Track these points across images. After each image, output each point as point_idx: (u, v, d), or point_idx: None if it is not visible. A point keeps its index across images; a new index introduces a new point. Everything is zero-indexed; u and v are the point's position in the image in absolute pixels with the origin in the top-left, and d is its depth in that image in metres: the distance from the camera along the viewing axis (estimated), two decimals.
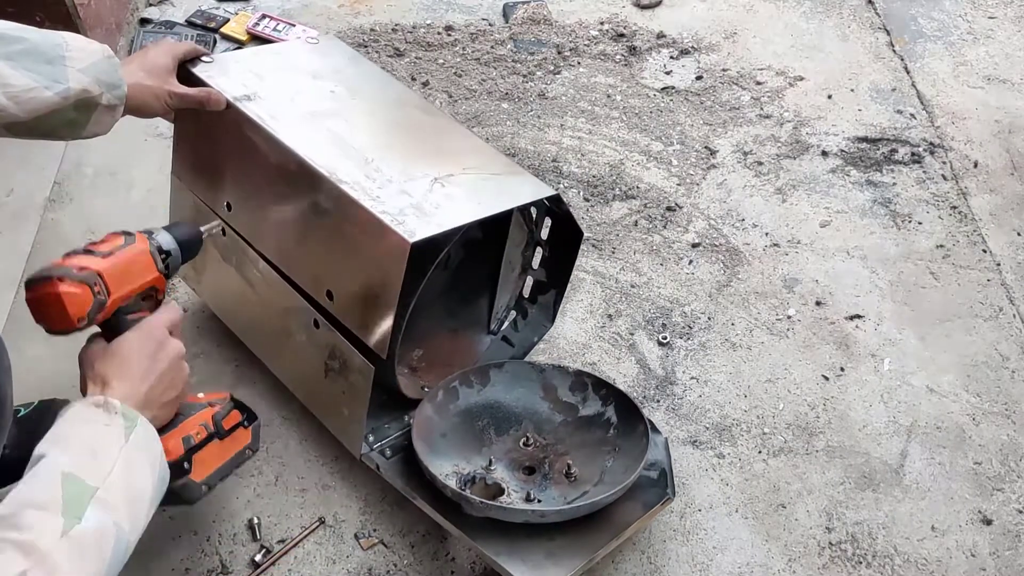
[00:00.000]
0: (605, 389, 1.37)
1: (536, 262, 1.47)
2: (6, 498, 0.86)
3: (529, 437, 1.36)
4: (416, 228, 1.11)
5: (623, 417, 1.34)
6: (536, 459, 1.33)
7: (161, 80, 1.21)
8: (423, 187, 1.22)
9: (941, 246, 1.76)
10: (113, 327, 1.05)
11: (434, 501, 1.23)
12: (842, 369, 1.55)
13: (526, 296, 1.50)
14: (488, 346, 1.51)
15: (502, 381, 1.42)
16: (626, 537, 1.24)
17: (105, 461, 0.95)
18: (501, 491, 1.27)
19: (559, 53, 2.16)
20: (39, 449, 0.93)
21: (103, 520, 0.90)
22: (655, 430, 1.36)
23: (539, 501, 1.26)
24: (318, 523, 1.32)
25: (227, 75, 1.28)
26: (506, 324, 1.52)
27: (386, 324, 1.18)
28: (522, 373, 1.42)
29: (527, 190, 1.30)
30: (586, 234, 1.76)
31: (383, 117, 1.35)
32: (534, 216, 1.44)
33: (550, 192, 1.30)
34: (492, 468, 1.31)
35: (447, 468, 1.29)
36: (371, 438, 1.33)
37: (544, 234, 1.44)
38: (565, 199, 1.61)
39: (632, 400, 1.34)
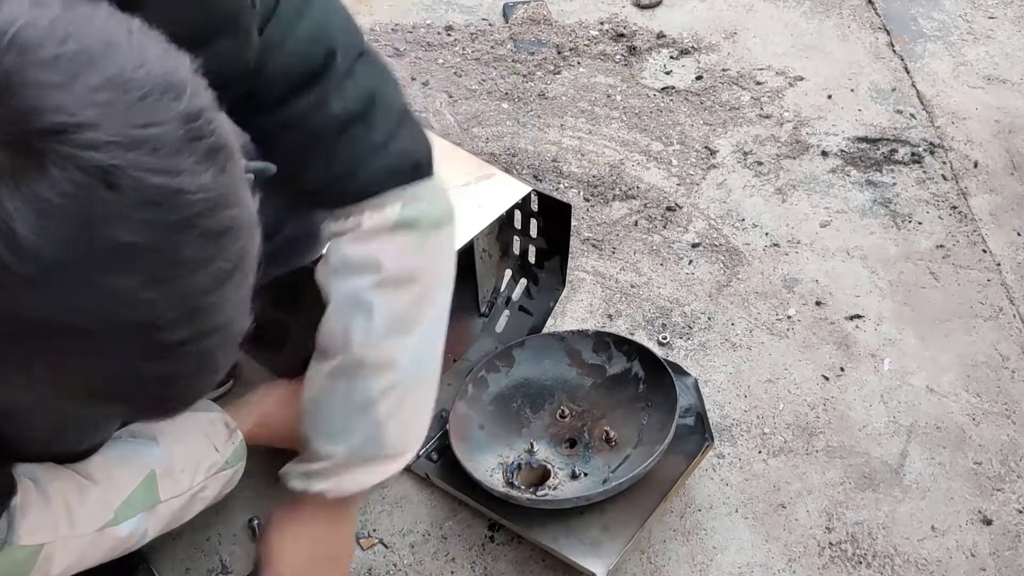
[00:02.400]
0: (627, 345, 1.39)
1: (533, 232, 1.47)
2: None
3: (564, 408, 1.38)
4: None
5: (649, 371, 1.36)
6: (575, 430, 1.35)
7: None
8: None
9: (941, 246, 1.76)
10: None
11: (486, 498, 1.27)
12: (842, 369, 1.55)
13: (532, 263, 1.51)
14: (481, 328, 1.51)
15: (527, 358, 1.43)
16: (674, 493, 1.28)
17: (185, 480, 1.01)
18: (547, 473, 1.30)
19: (559, 53, 2.16)
20: (158, 426, 0.99)
21: (136, 528, 0.96)
22: (683, 372, 1.37)
23: (585, 475, 1.29)
24: None
25: None
26: (519, 294, 1.53)
27: None
28: (545, 345, 1.44)
29: (499, 196, 1.30)
30: (586, 234, 1.76)
31: None
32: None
33: (523, 192, 1.31)
34: (534, 450, 1.33)
35: (491, 461, 1.31)
36: None
37: (534, 207, 1.44)
38: (565, 199, 1.61)
39: (653, 353, 1.36)
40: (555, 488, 1.28)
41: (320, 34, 0.83)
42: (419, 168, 0.91)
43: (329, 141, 0.87)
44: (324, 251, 0.97)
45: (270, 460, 1.39)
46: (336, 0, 0.87)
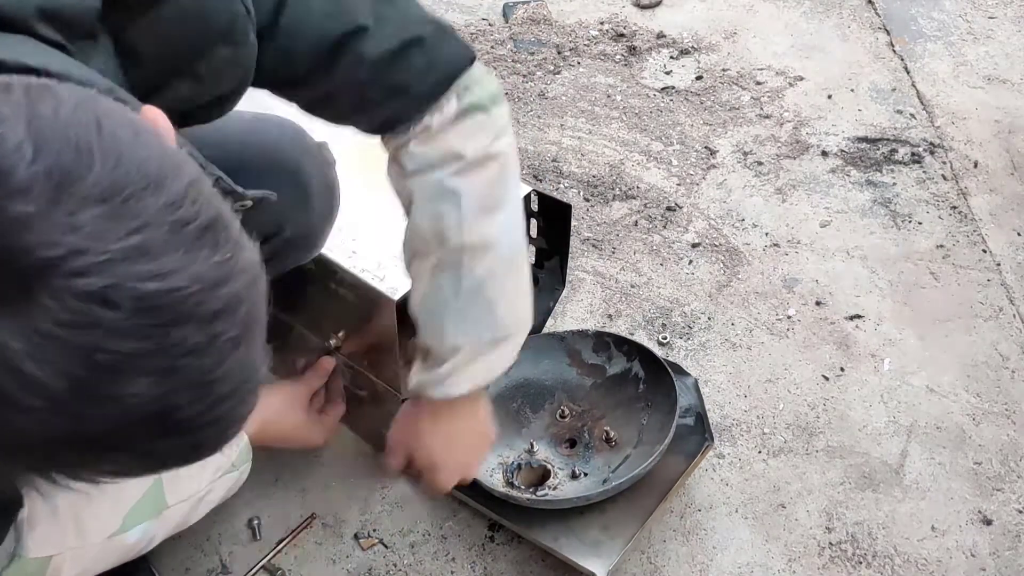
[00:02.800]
0: (627, 345, 1.39)
1: (533, 232, 1.48)
2: None
3: (564, 408, 1.38)
4: (397, 283, 1.15)
5: (649, 371, 1.36)
6: (575, 430, 1.35)
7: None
8: (397, 221, 1.25)
9: (941, 246, 1.76)
10: None
11: (486, 498, 1.27)
12: (842, 369, 1.55)
13: (532, 263, 1.51)
14: None
15: (526, 358, 1.42)
16: (674, 493, 1.28)
17: (191, 485, 1.02)
18: (547, 473, 1.30)
19: (559, 53, 2.16)
20: None
21: (144, 535, 0.97)
22: (683, 372, 1.38)
23: (585, 475, 1.29)
24: (310, 519, 1.32)
25: None
26: None
27: (392, 368, 1.22)
28: (544, 345, 1.44)
29: None
30: (586, 234, 1.76)
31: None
32: None
33: (523, 192, 1.31)
34: (535, 450, 1.33)
35: (491, 461, 1.31)
36: None
37: (534, 207, 1.45)
38: (565, 199, 1.61)
39: (653, 352, 1.36)
40: (555, 488, 1.28)
41: (337, 8, 0.84)
42: (464, 66, 0.94)
43: (376, 84, 0.89)
44: (392, 160, 0.98)
45: (270, 460, 1.39)
46: None
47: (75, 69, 0.61)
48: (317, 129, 1.04)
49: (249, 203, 0.77)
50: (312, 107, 0.91)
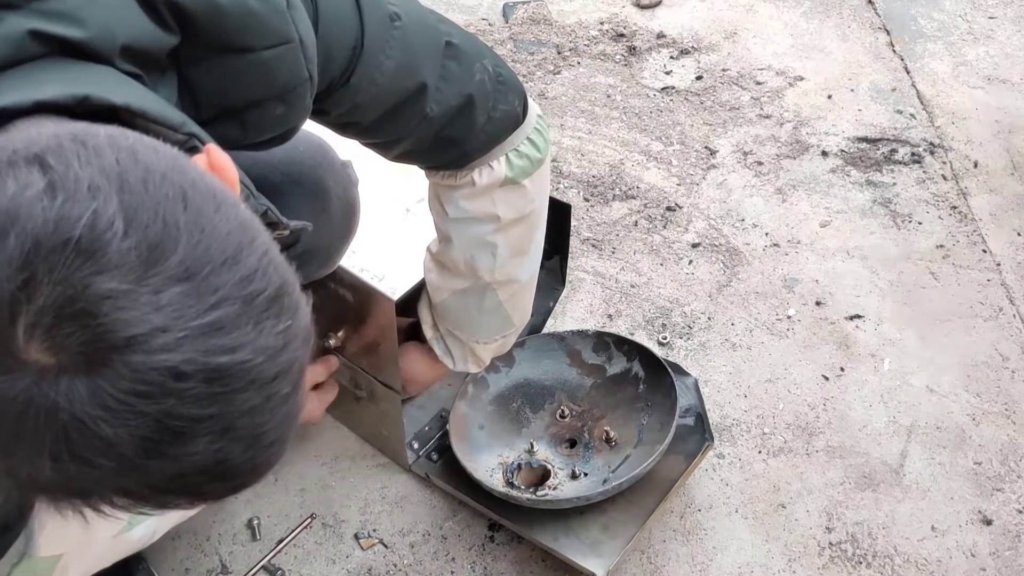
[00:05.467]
0: (627, 345, 1.40)
1: None
2: None
3: (564, 408, 1.38)
4: (397, 283, 1.16)
5: (649, 371, 1.36)
6: (575, 430, 1.35)
7: None
8: (395, 221, 1.24)
9: (941, 246, 1.76)
10: None
11: (486, 498, 1.28)
12: (842, 369, 1.55)
13: None
14: None
15: (527, 358, 1.43)
16: (674, 493, 1.28)
17: None
18: (547, 473, 1.30)
19: (559, 53, 2.16)
20: None
21: (147, 531, 0.99)
22: (683, 372, 1.38)
23: (585, 475, 1.29)
24: (310, 518, 1.32)
25: None
26: None
27: (393, 368, 1.23)
28: (545, 345, 1.44)
29: None
30: (586, 234, 1.76)
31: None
32: None
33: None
34: (535, 450, 1.33)
35: (492, 461, 1.32)
36: (415, 444, 1.36)
37: None
38: (565, 199, 1.61)
39: (653, 353, 1.36)
40: (555, 488, 1.28)
41: (406, 66, 0.87)
42: (517, 120, 1.01)
43: (435, 135, 0.94)
44: (435, 195, 1.08)
45: None
46: (423, 21, 0.90)
47: (153, 105, 0.63)
48: (342, 145, 1.06)
49: (287, 232, 0.80)
50: (371, 147, 0.97)
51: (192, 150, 0.64)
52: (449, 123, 0.93)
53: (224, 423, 0.51)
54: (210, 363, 0.50)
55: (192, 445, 0.51)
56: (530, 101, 1.02)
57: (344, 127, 0.92)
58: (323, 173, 1.09)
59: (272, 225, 0.78)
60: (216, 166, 0.60)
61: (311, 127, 0.93)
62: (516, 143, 1.01)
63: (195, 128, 0.65)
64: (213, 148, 0.61)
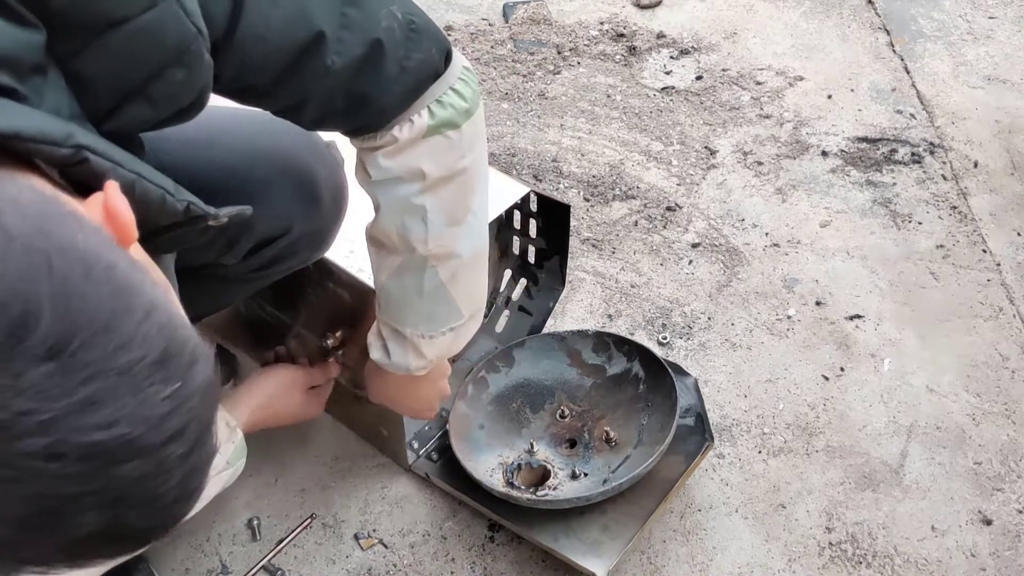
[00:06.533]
0: (627, 345, 1.40)
1: (533, 232, 1.47)
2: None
3: (564, 408, 1.38)
4: None
5: (649, 371, 1.36)
6: (575, 430, 1.35)
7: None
8: None
9: (941, 246, 1.76)
10: None
11: (486, 498, 1.27)
12: (842, 369, 1.55)
13: (532, 263, 1.51)
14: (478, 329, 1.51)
15: (527, 358, 1.43)
16: (674, 494, 1.28)
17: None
18: (547, 473, 1.30)
19: (559, 53, 2.16)
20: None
21: None
22: (683, 372, 1.38)
23: (585, 475, 1.29)
24: (310, 519, 1.32)
25: None
26: (518, 294, 1.53)
27: None
28: (544, 345, 1.44)
29: (497, 196, 1.30)
30: (586, 234, 1.76)
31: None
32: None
33: (522, 193, 1.31)
34: (534, 451, 1.33)
35: (492, 462, 1.32)
36: (415, 444, 1.35)
37: (533, 207, 1.44)
38: (565, 199, 1.61)
39: (653, 353, 1.36)
40: (555, 488, 1.28)
41: (298, 15, 0.80)
42: (438, 71, 0.93)
43: (344, 92, 0.87)
44: (359, 160, 0.99)
45: (270, 460, 1.40)
46: None
47: (26, 123, 0.58)
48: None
49: (224, 220, 0.75)
50: (281, 115, 0.89)
51: (82, 162, 0.60)
52: (357, 76, 0.86)
53: (112, 494, 0.49)
54: (83, 441, 0.46)
55: (79, 518, 0.48)
56: (455, 52, 0.95)
57: (240, 93, 0.83)
58: (309, 158, 1.07)
59: (199, 218, 0.73)
60: (111, 211, 0.55)
61: None
62: (438, 94, 0.93)
63: (83, 138, 0.61)
64: (111, 187, 0.56)
